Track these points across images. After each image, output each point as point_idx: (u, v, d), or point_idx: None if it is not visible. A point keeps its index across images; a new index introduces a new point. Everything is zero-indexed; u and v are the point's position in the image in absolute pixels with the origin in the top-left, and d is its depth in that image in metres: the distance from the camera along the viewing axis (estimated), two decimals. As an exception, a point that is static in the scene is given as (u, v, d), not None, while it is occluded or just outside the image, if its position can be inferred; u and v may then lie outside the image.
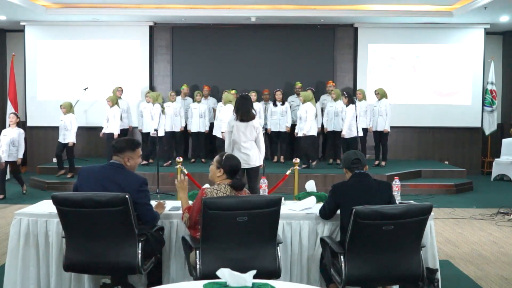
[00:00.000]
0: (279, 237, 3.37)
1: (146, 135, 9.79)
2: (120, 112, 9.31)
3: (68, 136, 8.87)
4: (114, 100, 9.38)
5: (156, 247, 3.40)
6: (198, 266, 3.06)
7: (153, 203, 3.79)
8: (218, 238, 3.06)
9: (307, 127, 8.84)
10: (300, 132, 9.01)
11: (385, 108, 9.23)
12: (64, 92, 10.53)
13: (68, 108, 9.02)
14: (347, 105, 8.92)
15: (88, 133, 10.43)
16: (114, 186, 3.24)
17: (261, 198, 3.20)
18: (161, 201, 3.88)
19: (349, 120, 8.81)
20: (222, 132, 8.61)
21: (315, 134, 9.05)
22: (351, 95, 9.03)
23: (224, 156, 3.44)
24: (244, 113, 5.39)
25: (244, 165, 5.45)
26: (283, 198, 4.12)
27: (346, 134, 8.87)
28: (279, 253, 3.18)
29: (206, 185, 3.82)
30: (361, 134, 8.95)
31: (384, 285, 3.33)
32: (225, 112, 8.64)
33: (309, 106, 8.89)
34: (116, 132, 9.17)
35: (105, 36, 10.66)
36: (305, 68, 10.72)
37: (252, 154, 5.44)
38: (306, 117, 8.85)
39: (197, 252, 3.08)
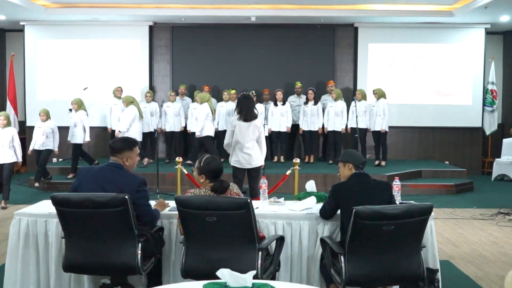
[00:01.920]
0: (266, 242, 3.24)
1: (145, 135, 9.78)
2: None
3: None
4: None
5: (156, 247, 3.40)
6: (181, 262, 3.16)
7: (153, 203, 3.79)
8: (193, 236, 3.13)
9: (199, 128, 8.95)
10: (197, 132, 9.09)
11: (383, 108, 9.22)
12: (64, 92, 10.52)
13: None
14: (200, 103, 9.15)
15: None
16: (112, 187, 3.24)
17: (227, 199, 3.16)
18: (164, 201, 3.86)
19: (202, 120, 8.94)
20: (119, 132, 8.59)
21: (211, 134, 9.14)
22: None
23: (202, 161, 3.40)
24: (247, 113, 5.38)
25: (246, 165, 5.45)
26: (282, 198, 4.14)
27: (199, 133, 8.98)
28: (259, 259, 3.07)
29: None
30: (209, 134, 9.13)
31: (384, 285, 3.32)
32: (127, 113, 8.71)
33: (203, 107, 9.00)
34: (55, 149, 8.51)
35: (105, 36, 10.66)
36: (305, 68, 10.71)
37: (254, 154, 5.43)
38: (200, 117, 9.00)
39: (183, 248, 3.17)
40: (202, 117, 8.97)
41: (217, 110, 9.78)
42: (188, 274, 3.12)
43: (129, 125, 8.76)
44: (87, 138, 8.94)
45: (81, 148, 9.02)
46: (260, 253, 3.10)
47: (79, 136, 8.85)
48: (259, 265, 3.07)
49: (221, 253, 3.06)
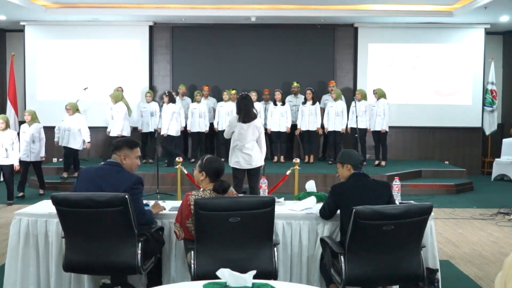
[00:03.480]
0: (277, 238, 3.34)
1: (145, 135, 9.79)
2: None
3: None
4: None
5: (156, 247, 3.40)
6: (193, 266, 3.07)
7: (152, 203, 3.78)
8: (211, 238, 3.06)
9: (119, 127, 8.92)
10: (111, 132, 9.04)
11: (383, 108, 9.21)
12: (64, 92, 10.52)
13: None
14: (167, 103, 9.17)
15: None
16: (109, 186, 3.24)
17: (253, 198, 3.17)
18: (160, 202, 3.84)
19: (121, 119, 8.93)
20: (88, 143, 8.50)
21: (128, 134, 9.11)
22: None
23: (205, 159, 3.40)
24: (246, 114, 5.39)
25: (246, 166, 5.46)
26: (282, 198, 4.14)
27: (112, 133, 8.98)
28: (275, 255, 3.14)
29: None
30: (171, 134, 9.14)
31: (384, 285, 3.32)
32: (83, 123, 8.54)
33: (120, 106, 8.99)
34: (16, 163, 7.33)
35: (105, 36, 10.66)
36: (305, 68, 10.71)
37: (254, 154, 5.44)
38: (118, 117, 8.94)
39: (192, 252, 3.10)
40: (121, 116, 8.97)
41: (217, 110, 9.81)
42: (201, 277, 2.97)
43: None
44: (42, 154, 7.90)
45: (40, 166, 8.00)
46: (275, 248, 3.14)
47: (37, 153, 7.79)
48: (276, 261, 3.11)
49: (240, 253, 3.05)
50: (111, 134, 9.01)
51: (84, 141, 8.69)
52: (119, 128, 8.98)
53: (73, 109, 8.65)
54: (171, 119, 9.10)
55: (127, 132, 9.10)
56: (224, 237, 3.05)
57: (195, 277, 3.04)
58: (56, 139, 8.83)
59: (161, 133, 9.12)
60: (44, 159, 8.05)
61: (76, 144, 8.60)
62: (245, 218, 3.00)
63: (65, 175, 8.73)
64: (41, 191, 8.15)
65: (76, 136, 8.59)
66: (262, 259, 3.07)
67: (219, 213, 2.99)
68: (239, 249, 3.05)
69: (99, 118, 10.30)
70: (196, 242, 3.09)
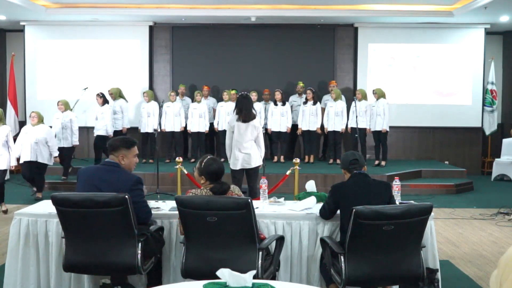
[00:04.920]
0: (266, 242, 3.24)
1: (145, 135, 9.79)
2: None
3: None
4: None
5: (156, 247, 3.40)
6: (181, 262, 3.15)
7: (153, 203, 3.78)
8: (194, 236, 3.12)
9: (77, 138, 8.62)
10: (63, 142, 8.55)
11: (383, 108, 9.21)
12: (64, 92, 10.52)
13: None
14: (101, 105, 9.08)
15: (87, 133, 10.43)
16: (106, 186, 3.23)
17: (227, 199, 3.15)
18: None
19: (76, 129, 8.60)
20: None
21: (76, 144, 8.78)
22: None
23: (203, 163, 3.38)
24: (246, 113, 5.39)
25: (245, 165, 5.46)
26: (282, 198, 4.15)
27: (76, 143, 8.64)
28: (260, 259, 3.08)
29: None
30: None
31: (384, 285, 3.32)
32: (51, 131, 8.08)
33: (68, 115, 8.57)
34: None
35: (105, 36, 10.66)
36: (305, 68, 10.72)
37: (253, 154, 5.45)
38: (72, 126, 8.56)
39: (183, 249, 3.17)
40: (76, 126, 8.60)
41: (217, 110, 9.81)
42: (188, 274, 3.12)
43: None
44: (13, 163, 6.92)
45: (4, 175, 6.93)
46: (260, 253, 3.10)
47: (4, 160, 6.70)
48: (259, 265, 3.07)
49: (221, 253, 3.06)
50: (62, 145, 8.37)
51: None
52: (75, 139, 8.54)
53: (40, 119, 7.68)
54: (111, 119, 9.06)
55: (76, 143, 8.63)
56: (205, 236, 3.09)
57: (183, 273, 3.12)
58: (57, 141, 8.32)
59: (96, 134, 9.09)
60: (13, 168, 7.16)
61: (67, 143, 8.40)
62: (222, 218, 3.01)
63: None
64: None
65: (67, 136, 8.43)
66: (244, 262, 3.03)
67: (196, 212, 3.02)
68: (220, 249, 3.07)
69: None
70: (185, 239, 3.16)
